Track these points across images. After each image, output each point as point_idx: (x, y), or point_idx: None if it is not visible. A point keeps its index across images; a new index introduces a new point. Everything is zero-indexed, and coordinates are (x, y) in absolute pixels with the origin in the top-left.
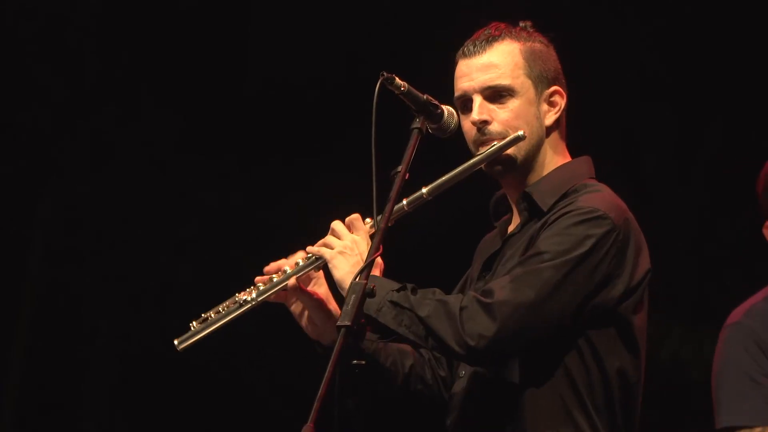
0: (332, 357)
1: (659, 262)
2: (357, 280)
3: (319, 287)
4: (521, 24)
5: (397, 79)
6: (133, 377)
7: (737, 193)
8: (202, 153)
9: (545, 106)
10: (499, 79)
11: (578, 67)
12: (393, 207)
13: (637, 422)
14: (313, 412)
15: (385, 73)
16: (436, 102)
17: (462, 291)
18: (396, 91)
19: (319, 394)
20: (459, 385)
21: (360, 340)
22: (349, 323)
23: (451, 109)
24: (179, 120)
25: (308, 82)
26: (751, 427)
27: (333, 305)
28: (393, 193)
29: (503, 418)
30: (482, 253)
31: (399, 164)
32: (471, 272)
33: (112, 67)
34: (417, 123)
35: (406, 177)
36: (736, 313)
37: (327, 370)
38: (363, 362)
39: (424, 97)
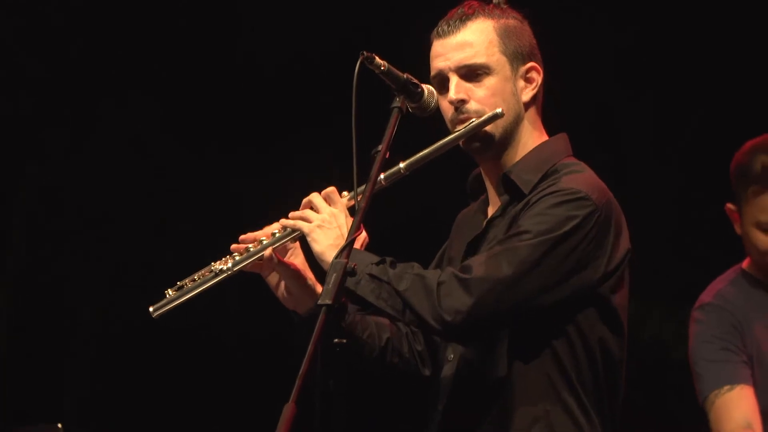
0: (313, 336)
1: (639, 243)
2: (338, 258)
3: (296, 258)
4: (495, 1)
5: (377, 58)
6: (112, 354)
7: (716, 173)
8: (182, 135)
9: (522, 83)
10: (475, 58)
11: (554, 44)
12: (374, 186)
13: (621, 401)
14: (294, 390)
15: (365, 53)
16: (416, 81)
17: (439, 266)
18: (376, 71)
19: (300, 372)
20: (449, 369)
21: (341, 319)
22: (330, 302)
23: (431, 88)
24: (160, 104)
25: (289, 61)
26: (719, 387)
27: (310, 276)
28: (373, 172)
29: (493, 400)
30: (463, 231)
31: (379, 143)
32: (449, 248)
33: (96, 54)
34: (397, 102)
35: (387, 156)
36: (706, 295)
37: (308, 349)
38: (344, 341)
39: (405, 76)
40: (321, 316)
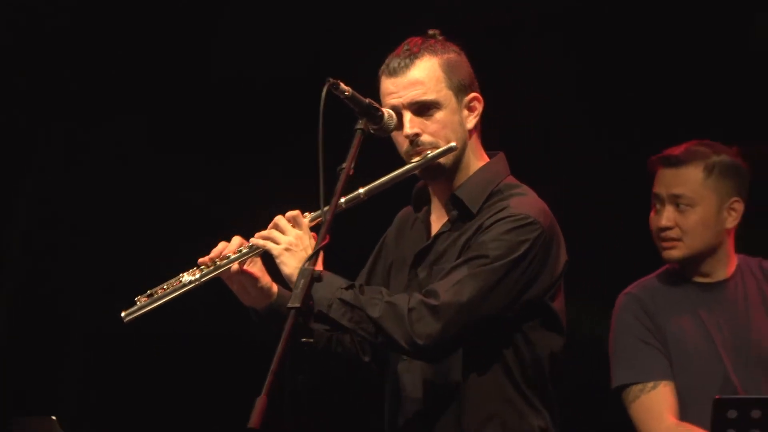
0: (283, 335)
1: (575, 252)
2: (305, 266)
3: (254, 266)
4: (430, 32)
5: (341, 84)
6: (104, 357)
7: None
8: (167, 151)
9: (465, 112)
10: (425, 95)
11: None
12: (338, 199)
13: (563, 392)
14: (266, 384)
15: (331, 79)
16: (377, 105)
17: (377, 259)
18: (341, 96)
19: (271, 368)
20: (404, 367)
21: (308, 320)
22: (299, 305)
23: (390, 111)
24: (145, 120)
25: (263, 86)
26: (643, 383)
27: (267, 278)
28: (338, 187)
29: (449, 398)
30: (406, 236)
31: (344, 161)
32: (390, 248)
33: (85, 72)
34: (360, 124)
35: (351, 173)
36: (629, 287)
37: (278, 347)
38: (311, 340)
39: (367, 101)
40: (290, 318)
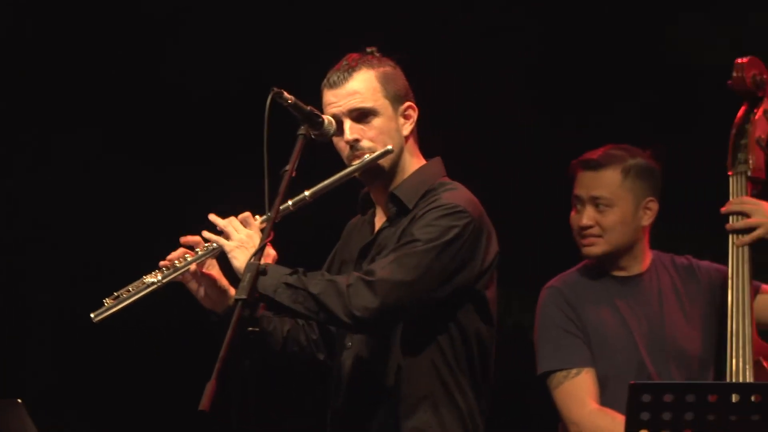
0: (231, 325)
1: (505, 246)
2: (251, 261)
3: (212, 268)
4: (368, 50)
5: (285, 93)
6: (68, 342)
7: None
8: (123, 156)
9: (401, 120)
10: (363, 103)
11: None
12: (281, 200)
13: (492, 377)
14: (215, 370)
15: (275, 88)
16: (318, 112)
17: (331, 264)
18: (284, 104)
19: (220, 355)
20: (347, 355)
21: (254, 311)
22: (245, 296)
23: (330, 118)
24: (102, 129)
25: (210, 93)
26: (567, 369)
27: (224, 282)
28: (281, 189)
29: (387, 382)
30: (353, 238)
31: (287, 164)
32: (340, 252)
33: (46, 84)
34: (302, 130)
35: (293, 175)
36: (552, 281)
37: (227, 336)
38: (257, 329)
39: (308, 108)
40: (237, 309)
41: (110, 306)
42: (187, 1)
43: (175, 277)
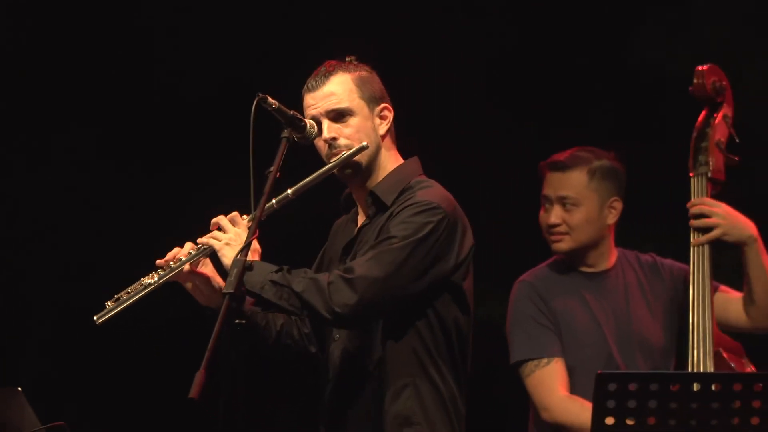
0: (219, 317)
1: (480, 240)
2: (238, 257)
3: (206, 267)
4: (347, 59)
5: (269, 98)
6: (64, 338)
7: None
8: (116, 158)
9: (378, 120)
10: (340, 103)
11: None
12: (266, 200)
13: (469, 364)
14: (204, 360)
15: (260, 94)
16: (301, 117)
17: (320, 263)
18: (269, 108)
19: (209, 346)
20: (335, 347)
21: (241, 304)
22: (232, 291)
23: (312, 122)
24: (97, 130)
25: (200, 98)
26: (539, 359)
27: (218, 280)
28: (266, 189)
29: (372, 371)
30: (338, 237)
31: (271, 166)
32: (328, 250)
33: (46, 85)
34: (285, 133)
35: (277, 176)
36: (524, 275)
37: (215, 328)
38: (244, 321)
39: (291, 112)
40: (225, 302)
41: (111, 308)
42: (185, 6)
43: (170, 277)
